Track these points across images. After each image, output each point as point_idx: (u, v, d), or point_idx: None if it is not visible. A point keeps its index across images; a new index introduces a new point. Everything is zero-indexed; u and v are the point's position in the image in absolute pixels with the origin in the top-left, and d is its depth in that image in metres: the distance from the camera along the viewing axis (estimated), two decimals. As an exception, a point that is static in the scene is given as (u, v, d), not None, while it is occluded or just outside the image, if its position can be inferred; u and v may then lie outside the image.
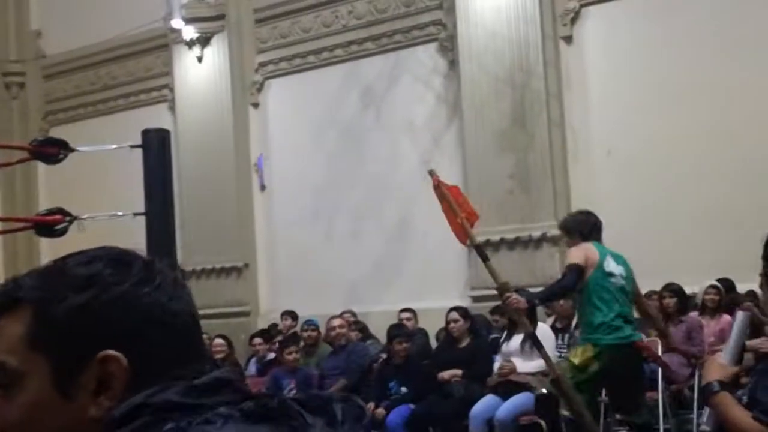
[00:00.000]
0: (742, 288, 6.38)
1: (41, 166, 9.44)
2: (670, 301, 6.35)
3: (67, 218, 3.76)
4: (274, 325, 8.81)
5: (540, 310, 6.64)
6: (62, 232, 3.78)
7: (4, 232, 8.44)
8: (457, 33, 8.40)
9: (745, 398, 2.13)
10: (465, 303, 7.71)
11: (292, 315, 8.57)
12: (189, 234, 9.08)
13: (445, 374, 6.67)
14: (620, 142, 7.85)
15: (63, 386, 0.86)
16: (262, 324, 9.19)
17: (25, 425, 0.87)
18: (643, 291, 5.60)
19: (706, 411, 2.24)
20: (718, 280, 6.56)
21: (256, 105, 9.86)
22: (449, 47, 8.68)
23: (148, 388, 0.84)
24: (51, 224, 3.78)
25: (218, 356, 7.51)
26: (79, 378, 0.86)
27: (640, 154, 7.73)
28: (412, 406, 6.62)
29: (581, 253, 4.94)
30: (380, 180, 8.93)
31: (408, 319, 7.78)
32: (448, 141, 8.73)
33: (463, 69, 8.36)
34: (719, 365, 2.15)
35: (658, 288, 6.54)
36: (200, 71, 9.84)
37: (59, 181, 10.17)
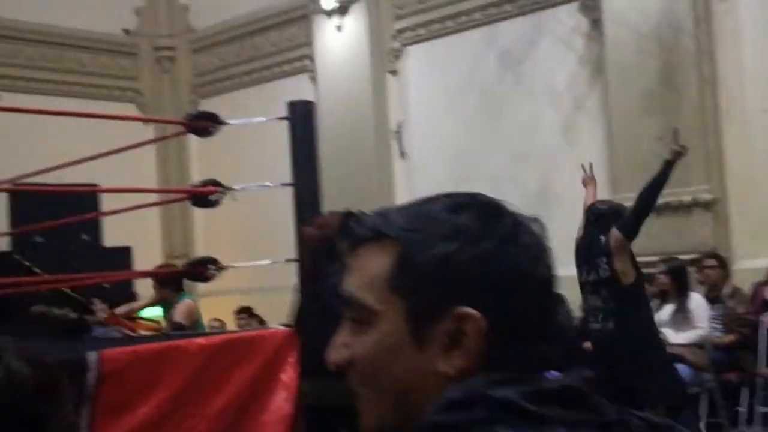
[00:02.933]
0: None
1: (192, 139, 9.86)
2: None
3: (221, 189, 3.90)
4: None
5: (692, 280, 6.41)
6: (216, 203, 3.93)
7: (162, 203, 8.89)
8: (600, -9, 8.12)
9: None
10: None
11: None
12: (331, 203, 9.23)
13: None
14: (778, 100, 7.41)
15: (416, 333, 0.83)
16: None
17: (374, 364, 0.85)
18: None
19: None
20: None
21: (394, 72, 9.89)
22: (591, 6, 8.40)
23: (500, 358, 0.81)
24: (206, 195, 3.93)
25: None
26: (434, 329, 0.83)
27: (801, 112, 7.27)
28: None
29: None
30: (521, 146, 8.79)
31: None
32: (591, 104, 8.49)
33: (607, 28, 8.08)
34: None
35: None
36: (339, 40, 9.96)
37: (209, 153, 10.57)
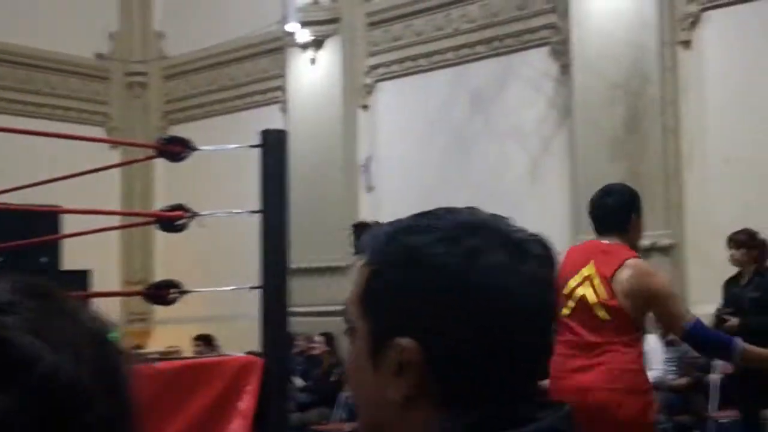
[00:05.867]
0: None
1: (158, 166, 9.83)
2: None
3: (188, 214, 3.88)
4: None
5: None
6: (183, 228, 3.91)
7: (127, 226, 8.81)
8: (571, 37, 8.29)
9: None
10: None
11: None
12: (294, 233, 9.24)
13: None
14: (738, 149, 7.58)
15: (372, 356, 0.84)
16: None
17: (351, 377, 0.89)
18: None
19: None
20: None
21: (365, 107, 9.97)
22: (562, 51, 8.57)
23: (452, 391, 0.79)
24: (172, 219, 3.92)
25: (314, 353, 7.66)
26: (385, 354, 0.83)
27: (760, 161, 7.45)
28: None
29: None
30: (487, 184, 8.89)
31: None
32: (557, 147, 8.62)
33: (576, 74, 8.24)
34: None
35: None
36: (313, 73, 10.03)
37: (174, 180, 10.53)
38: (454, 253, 0.81)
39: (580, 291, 3.49)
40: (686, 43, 7.95)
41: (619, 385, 3.39)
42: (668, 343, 6.76)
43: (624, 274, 3.44)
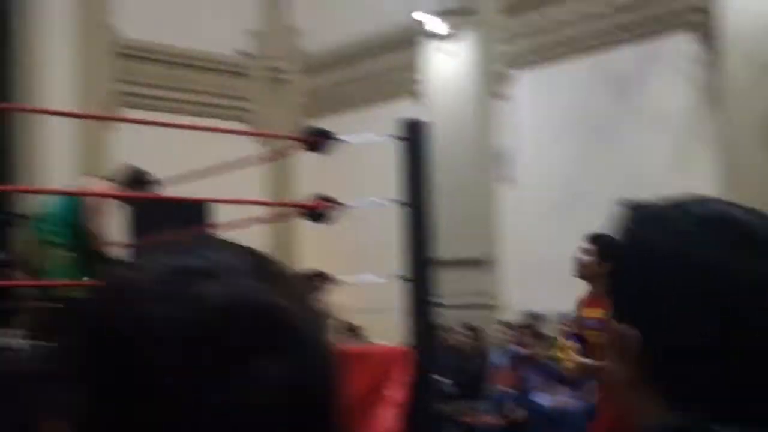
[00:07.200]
0: None
1: (299, 158, 10.06)
2: None
3: (333, 205, 3.95)
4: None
5: None
6: (327, 218, 3.98)
7: (273, 219, 9.07)
8: (719, 19, 7.91)
9: None
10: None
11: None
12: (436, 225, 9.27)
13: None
14: None
15: (610, 340, 0.85)
16: (508, 317, 9.19)
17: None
18: None
19: None
20: None
21: (502, 97, 9.86)
22: (709, 34, 8.19)
23: (666, 377, 0.79)
24: (317, 210, 3.99)
25: (464, 346, 7.64)
26: (614, 337, 0.84)
27: None
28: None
29: None
30: (630, 175, 8.61)
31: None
32: (704, 134, 8.26)
33: (725, 56, 7.86)
34: None
35: None
36: (448, 64, 10.00)
37: (316, 171, 10.74)
38: (667, 239, 0.82)
39: None
40: None
41: None
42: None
43: None
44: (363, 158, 9.47)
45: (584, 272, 4.23)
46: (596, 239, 4.18)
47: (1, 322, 4.75)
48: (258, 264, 0.59)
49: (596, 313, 4.09)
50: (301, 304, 0.57)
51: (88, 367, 0.55)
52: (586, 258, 4.24)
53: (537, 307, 8.85)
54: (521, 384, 7.31)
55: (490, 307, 9.57)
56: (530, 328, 8.37)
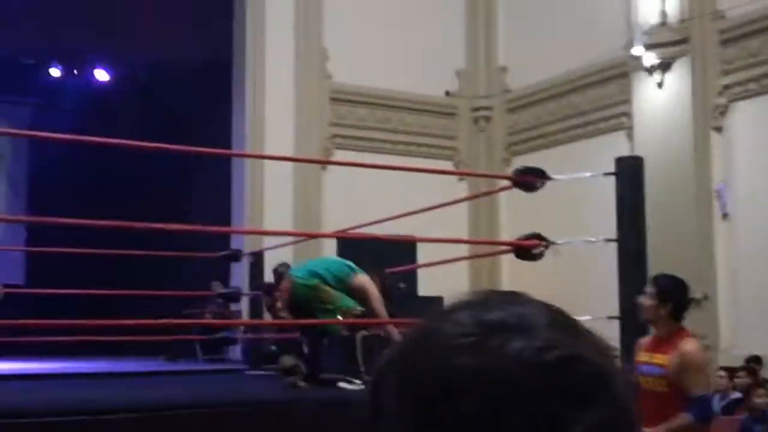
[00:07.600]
0: None
1: (502, 195, 10.08)
2: None
3: (544, 243, 3.95)
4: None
5: None
6: (539, 256, 3.99)
7: (483, 255, 9.14)
8: None
9: None
10: None
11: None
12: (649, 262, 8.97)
13: None
14: None
15: None
16: (723, 360, 8.69)
17: None
18: None
19: None
20: None
21: (719, 129, 9.41)
22: None
23: None
24: (529, 248, 4.00)
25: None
26: None
27: None
28: None
29: None
30: None
31: None
32: None
33: None
34: None
35: None
36: (660, 97, 9.70)
37: (518, 208, 10.71)
38: None
39: None
40: None
41: None
42: None
43: None
44: (568, 194, 9.33)
45: (646, 315, 3.77)
46: (656, 280, 3.68)
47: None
48: (556, 318, 0.60)
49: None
50: (605, 357, 0.58)
51: (392, 412, 0.56)
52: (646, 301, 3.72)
53: (755, 349, 8.30)
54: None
55: (705, 348, 9.07)
56: (751, 372, 7.86)
